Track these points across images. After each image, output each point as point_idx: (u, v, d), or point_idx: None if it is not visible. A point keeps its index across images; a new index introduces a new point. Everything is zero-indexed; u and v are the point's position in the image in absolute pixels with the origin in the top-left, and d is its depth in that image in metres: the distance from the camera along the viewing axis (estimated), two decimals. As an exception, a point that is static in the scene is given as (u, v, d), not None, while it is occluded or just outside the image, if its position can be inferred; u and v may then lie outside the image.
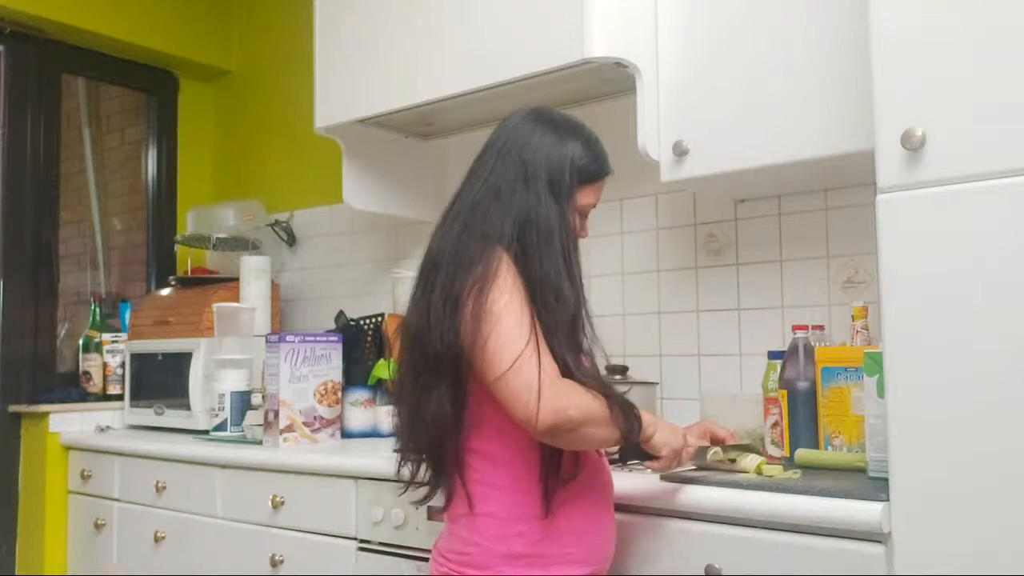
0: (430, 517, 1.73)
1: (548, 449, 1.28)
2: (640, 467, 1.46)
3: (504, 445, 1.30)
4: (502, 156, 1.36)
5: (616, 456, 1.42)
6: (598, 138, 1.43)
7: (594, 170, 1.40)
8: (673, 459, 1.38)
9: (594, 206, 1.43)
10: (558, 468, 1.29)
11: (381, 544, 1.85)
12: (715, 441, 1.54)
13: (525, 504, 1.29)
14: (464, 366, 1.27)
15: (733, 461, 1.48)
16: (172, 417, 2.71)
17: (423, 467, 1.39)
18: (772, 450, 1.67)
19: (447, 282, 1.28)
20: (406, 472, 1.41)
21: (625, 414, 1.28)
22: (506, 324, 1.22)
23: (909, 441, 1.22)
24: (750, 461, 1.47)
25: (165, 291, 3.03)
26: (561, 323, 1.26)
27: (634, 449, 1.39)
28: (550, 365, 1.22)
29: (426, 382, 1.31)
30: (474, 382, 1.29)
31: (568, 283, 1.29)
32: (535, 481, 1.29)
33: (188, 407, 2.67)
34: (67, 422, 2.77)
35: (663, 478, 1.48)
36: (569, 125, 1.40)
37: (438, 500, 1.41)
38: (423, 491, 1.40)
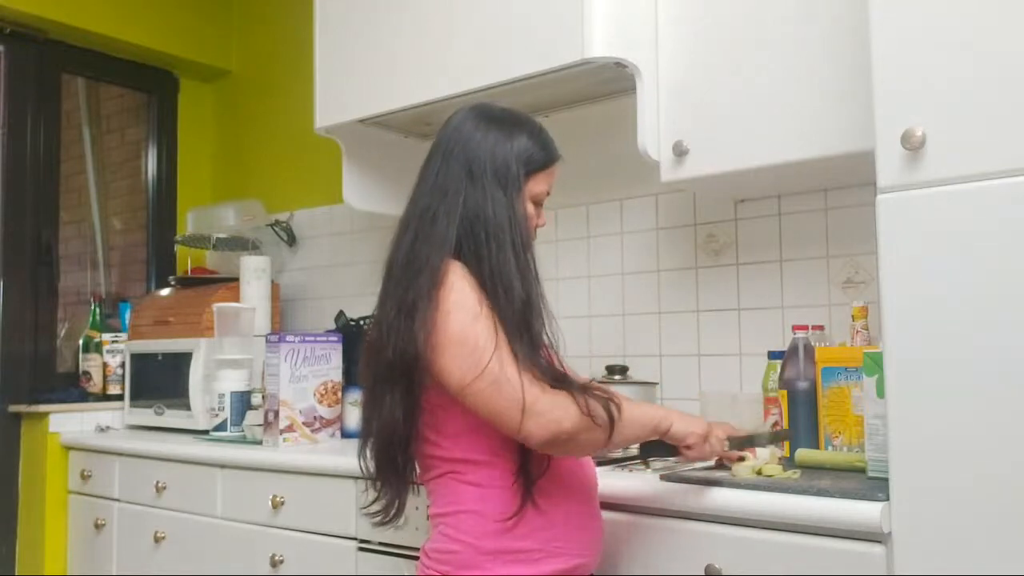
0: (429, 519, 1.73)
1: (519, 446, 1.27)
2: (667, 462, 1.43)
3: (477, 449, 1.30)
4: (447, 157, 1.36)
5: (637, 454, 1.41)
6: (543, 127, 1.43)
7: (542, 158, 1.39)
8: (703, 444, 1.37)
9: (548, 194, 1.43)
10: (529, 463, 1.29)
11: (381, 544, 1.85)
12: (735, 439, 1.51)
13: (509, 501, 1.28)
14: (420, 374, 1.27)
15: (743, 459, 1.46)
16: (172, 417, 2.71)
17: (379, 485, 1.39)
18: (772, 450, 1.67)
19: (400, 291, 1.29)
20: (371, 495, 1.41)
21: (602, 404, 1.25)
22: (468, 331, 1.23)
23: (909, 441, 1.22)
24: (764, 454, 1.46)
25: (165, 291, 3.03)
26: (512, 318, 1.26)
27: (654, 444, 1.39)
28: (526, 374, 1.21)
29: (380, 390, 1.31)
30: (435, 390, 1.28)
31: (518, 277, 1.29)
32: (514, 478, 1.29)
33: (188, 407, 2.66)
34: (67, 422, 2.77)
35: (663, 478, 1.48)
36: (512, 117, 1.41)
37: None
38: (383, 507, 1.40)
